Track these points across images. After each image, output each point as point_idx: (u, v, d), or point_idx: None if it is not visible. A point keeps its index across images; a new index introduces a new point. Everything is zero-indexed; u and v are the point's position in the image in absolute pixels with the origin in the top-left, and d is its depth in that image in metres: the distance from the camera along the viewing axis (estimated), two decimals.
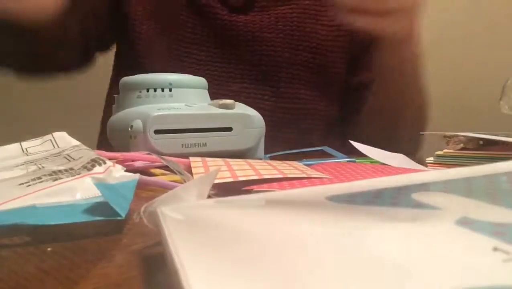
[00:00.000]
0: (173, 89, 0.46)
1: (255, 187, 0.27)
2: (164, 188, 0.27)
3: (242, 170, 0.30)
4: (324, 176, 0.30)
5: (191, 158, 0.34)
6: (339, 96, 0.69)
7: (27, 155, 0.32)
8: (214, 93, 0.52)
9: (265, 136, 0.48)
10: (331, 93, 0.69)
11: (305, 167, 0.33)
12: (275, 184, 0.28)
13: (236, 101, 0.47)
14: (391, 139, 0.53)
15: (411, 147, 0.62)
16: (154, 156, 0.34)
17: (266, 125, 0.48)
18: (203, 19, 0.65)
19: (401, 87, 0.62)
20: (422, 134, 0.63)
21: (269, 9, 0.66)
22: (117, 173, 0.24)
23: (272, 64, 0.66)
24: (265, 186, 0.28)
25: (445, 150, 0.37)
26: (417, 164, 0.37)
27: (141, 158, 0.36)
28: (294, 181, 0.29)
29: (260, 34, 0.66)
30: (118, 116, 0.47)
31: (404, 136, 0.63)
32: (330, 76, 0.68)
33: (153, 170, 0.35)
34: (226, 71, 0.65)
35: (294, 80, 0.67)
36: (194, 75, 0.50)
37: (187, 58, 0.65)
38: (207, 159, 0.34)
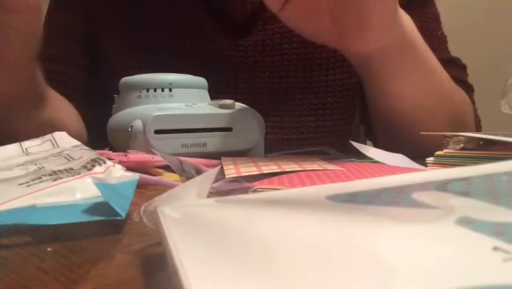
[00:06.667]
0: (173, 89, 0.46)
1: (256, 184, 0.27)
2: (165, 187, 0.27)
3: (269, 168, 0.32)
4: (339, 168, 0.33)
5: (223, 159, 0.36)
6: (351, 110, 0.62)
7: (27, 155, 0.32)
8: None
9: None
10: (343, 111, 0.61)
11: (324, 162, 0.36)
12: (274, 178, 0.29)
13: None
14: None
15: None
16: (178, 157, 0.33)
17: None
18: (198, 46, 0.58)
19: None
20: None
21: (273, 24, 0.57)
22: (117, 173, 0.24)
23: (275, 92, 0.59)
24: (265, 182, 0.28)
25: (445, 150, 0.37)
26: (417, 164, 0.37)
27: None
28: (293, 175, 0.29)
29: (262, 58, 0.58)
30: (118, 116, 0.47)
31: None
32: (344, 94, 0.60)
33: (153, 170, 0.35)
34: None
35: (300, 107, 0.59)
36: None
37: None
38: (237, 159, 0.37)
